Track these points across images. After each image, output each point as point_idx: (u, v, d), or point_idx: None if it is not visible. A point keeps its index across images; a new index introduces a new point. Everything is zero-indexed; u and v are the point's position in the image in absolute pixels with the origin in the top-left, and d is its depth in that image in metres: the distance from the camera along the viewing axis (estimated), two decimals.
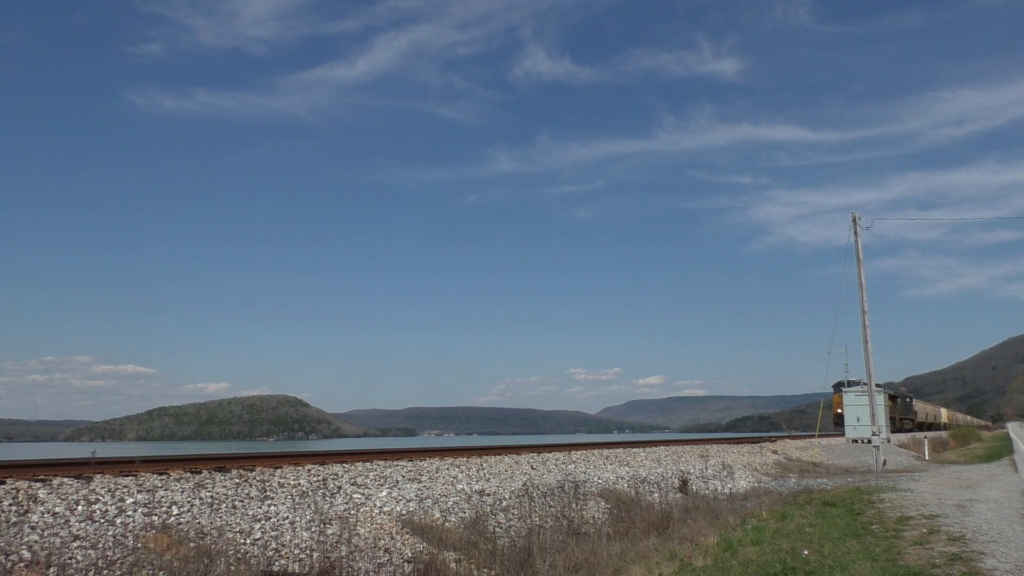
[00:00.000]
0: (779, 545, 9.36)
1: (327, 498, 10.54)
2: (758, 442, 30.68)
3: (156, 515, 8.56)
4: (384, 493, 11.36)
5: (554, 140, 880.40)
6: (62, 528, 7.75)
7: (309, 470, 11.80)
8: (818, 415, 45.48)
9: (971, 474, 20.69)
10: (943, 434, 58.75)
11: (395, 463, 13.66)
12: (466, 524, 11.10)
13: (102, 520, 8.13)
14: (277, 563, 8.44)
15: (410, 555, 9.51)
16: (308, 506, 10.02)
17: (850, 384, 42.93)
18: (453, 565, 9.28)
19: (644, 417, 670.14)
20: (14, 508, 7.93)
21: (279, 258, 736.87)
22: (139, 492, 9.11)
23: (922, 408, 66.81)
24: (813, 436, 40.87)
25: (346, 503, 10.59)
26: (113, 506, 8.53)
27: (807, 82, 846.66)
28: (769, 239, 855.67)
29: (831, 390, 48.39)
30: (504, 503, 12.47)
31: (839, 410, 46.21)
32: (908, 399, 63.05)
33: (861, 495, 14.55)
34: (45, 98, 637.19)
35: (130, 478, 9.74)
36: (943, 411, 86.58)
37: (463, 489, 12.58)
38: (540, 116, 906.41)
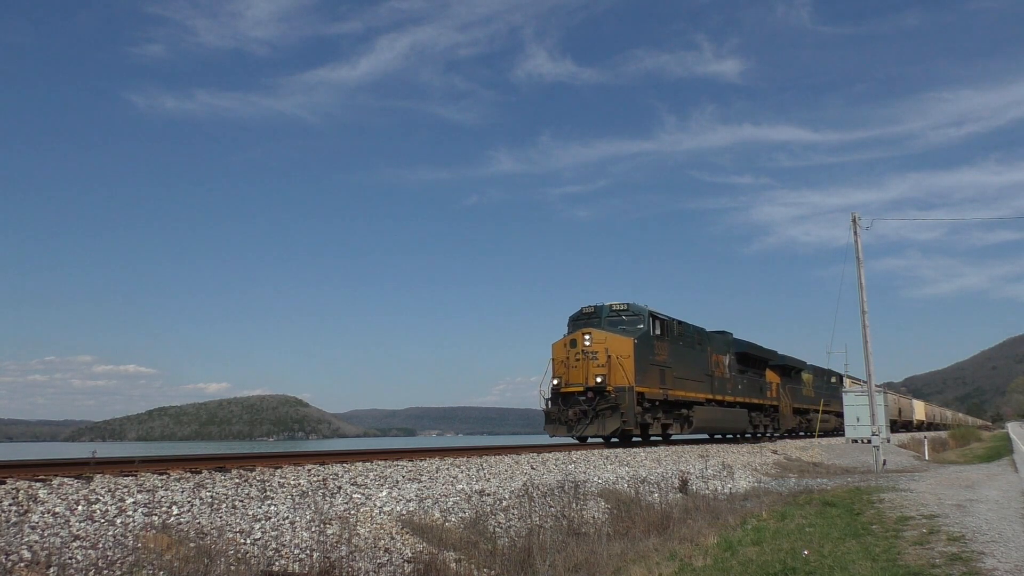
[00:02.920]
0: (779, 545, 9.35)
1: (327, 498, 10.53)
2: (758, 442, 30.68)
3: (156, 515, 8.55)
4: (384, 493, 11.35)
5: (555, 141, 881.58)
6: (62, 528, 7.74)
7: (309, 470, 11.78)
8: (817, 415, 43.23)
9: (971, 474, 20.70)
10: (943, 434, 58.65)
11: (395, 463, 13.65)
12: (466, 524, 11.09)
13: (102, 520, 8.12)
14: (277, 563, 8.43)
15: (410, 555, 9.50)
16: (308, 506, 10.01)
17: (611, 312, 22.87)
18: (453, 565, 9.28)
19: None
20: (14, 508, 7.92)
21: (280, 258, 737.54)
22: (139, 492, 9.10)
23: None
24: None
25: (346, 503, 10.58)
26: (113, 506, 8.51)
27: (808, 83, 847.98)
28: (769, 239, 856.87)
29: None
30: (504, 503, 12.46)
31: (556, 380, 22.34)
32: (834, 382, 46.67)
33: (861, 495, 14.54)
34: (47, 98, 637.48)
35: (130, 478, 9.72)
36: (917, 405, 69.79)
37: (463, 489, 12.57)
38: (541, 117, 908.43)
